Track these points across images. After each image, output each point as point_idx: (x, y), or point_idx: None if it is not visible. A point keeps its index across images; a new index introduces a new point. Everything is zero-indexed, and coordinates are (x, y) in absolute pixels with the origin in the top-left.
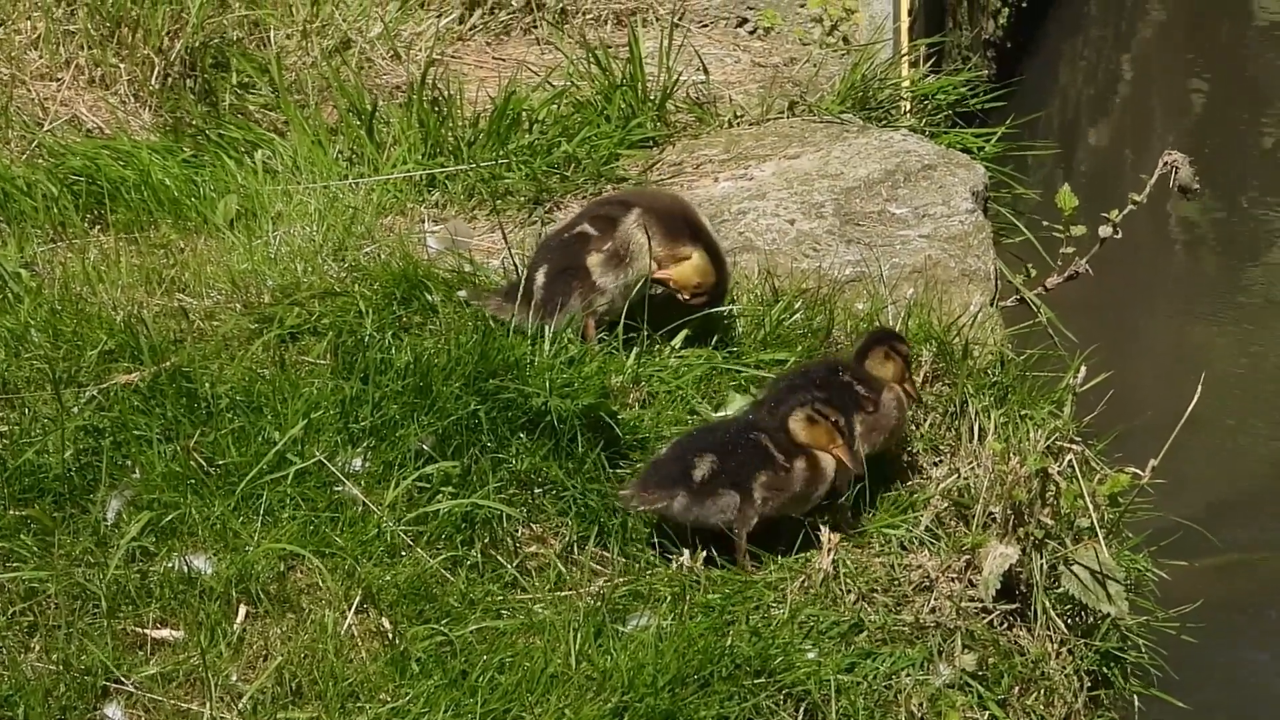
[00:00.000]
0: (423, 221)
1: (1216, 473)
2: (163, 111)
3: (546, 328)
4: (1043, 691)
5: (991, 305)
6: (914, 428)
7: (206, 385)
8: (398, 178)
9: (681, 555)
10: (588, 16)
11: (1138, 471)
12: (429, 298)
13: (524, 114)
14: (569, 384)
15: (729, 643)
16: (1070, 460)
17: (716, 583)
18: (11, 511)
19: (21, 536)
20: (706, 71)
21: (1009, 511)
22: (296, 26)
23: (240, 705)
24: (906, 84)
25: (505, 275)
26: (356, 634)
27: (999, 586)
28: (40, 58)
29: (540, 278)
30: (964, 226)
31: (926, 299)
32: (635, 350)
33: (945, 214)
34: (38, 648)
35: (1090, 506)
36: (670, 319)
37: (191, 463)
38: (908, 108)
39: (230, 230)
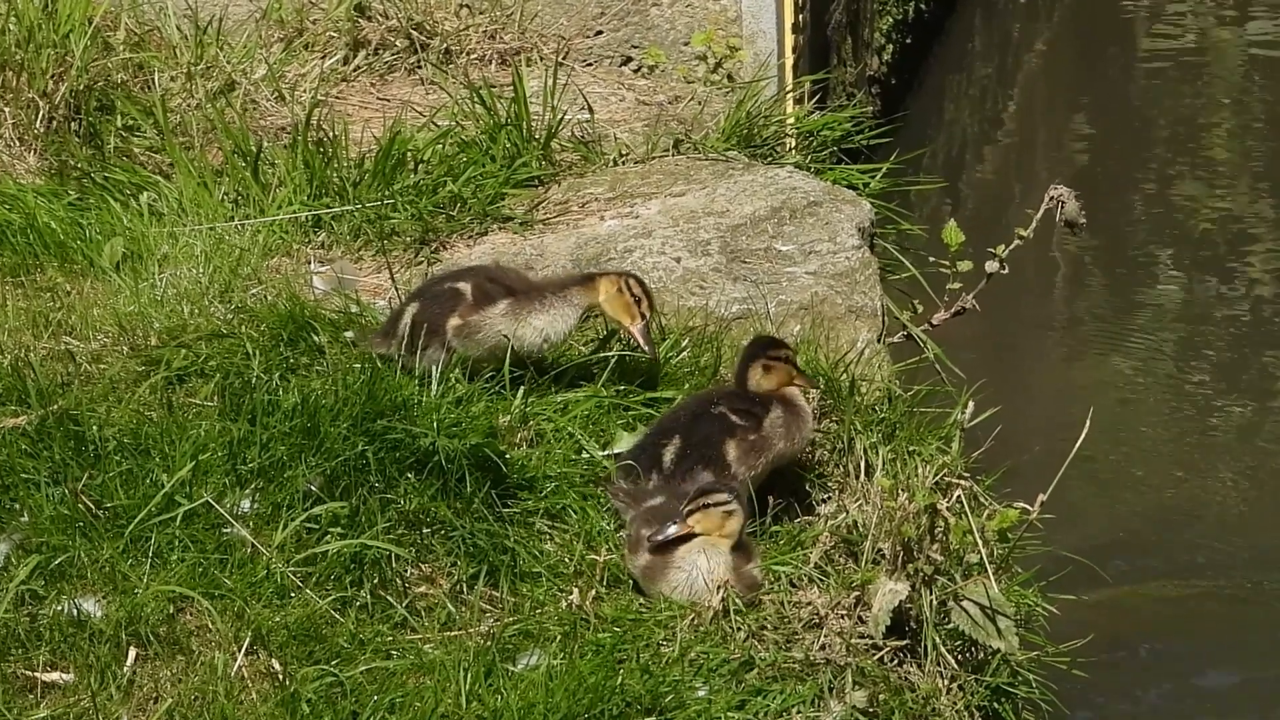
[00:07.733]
0: (309, 262)
1: (1105, 507)
2: (48, 155)
3: (432, 369)
4: None
5: (879, 341)
6: (800, 467)
7: (94, 428)
8: (283, 219)
9: (571, 594)
10: (472, 56)
11: (1026, 506)
12: (316, 339)
13: (409, 154)
14: (457, 423)
15: (619, 681)
16: (959, 496)
17: (607, 621)
18: None
19: None
20: (591, 110)
21: (898, 548)
22: (181, 69)
23: None
24: (791, 121)
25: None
26: (247, 675)
27: (889, 623)
28: None
29: (407, 317)
30: (850, 263)
31: (813, 336)
32: (522, 389)
33: (831, 250)
34: None
35: (979, 542)
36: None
37: (80, 506)
38: (793, 145)
39: (116, 273)
